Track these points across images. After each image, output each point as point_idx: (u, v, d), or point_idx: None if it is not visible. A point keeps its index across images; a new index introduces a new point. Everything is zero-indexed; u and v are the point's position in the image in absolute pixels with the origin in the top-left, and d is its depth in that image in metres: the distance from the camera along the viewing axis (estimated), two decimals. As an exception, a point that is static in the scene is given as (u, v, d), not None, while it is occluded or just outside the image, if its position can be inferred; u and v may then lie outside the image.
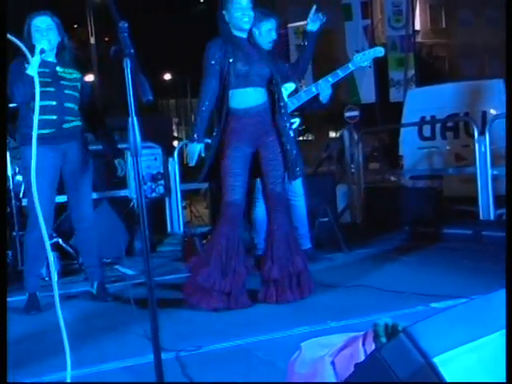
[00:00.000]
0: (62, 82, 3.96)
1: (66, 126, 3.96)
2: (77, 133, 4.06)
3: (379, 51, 4.69)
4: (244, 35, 3.91)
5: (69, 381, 2.27)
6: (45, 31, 3.88)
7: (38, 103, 2.43)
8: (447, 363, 1.41)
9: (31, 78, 3.73)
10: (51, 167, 3.92)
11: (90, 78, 29.78)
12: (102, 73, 26.86)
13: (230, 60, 3.77)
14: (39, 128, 3.88)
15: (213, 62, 3.79)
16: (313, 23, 4.59)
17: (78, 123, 4.06)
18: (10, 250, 4.77)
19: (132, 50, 2.15)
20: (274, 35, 4.91)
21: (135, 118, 2.16)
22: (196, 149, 3.83)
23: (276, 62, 5.06)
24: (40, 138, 3.82)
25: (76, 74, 4.08)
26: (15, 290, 4.34)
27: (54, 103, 3.88)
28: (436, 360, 1.42)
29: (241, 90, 3.80)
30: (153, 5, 32.58)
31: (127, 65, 2.14)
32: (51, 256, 2.50)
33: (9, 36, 3.39)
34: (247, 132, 3.83)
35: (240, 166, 3.79)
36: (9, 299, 4.06)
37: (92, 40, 25.47)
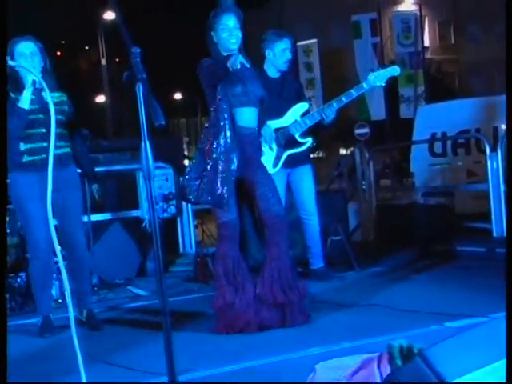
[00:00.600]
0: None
1: (56, 152, 3.79)
2: (67, 159, 3.98)
3: (396, 70, 4.60)
4: None
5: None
6: (29, 57, 3.82)
7: (53, 131, 2.36)
8: (464, 387, 1.40)
9: (22, 111, 3.74)
10: (44, 193, 3.87)
11: (101, 98, 30.11)
12: (113, 94, 27.11)
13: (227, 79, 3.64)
14: (29, 155, 3.90)
15: (215, 69, 3.66)
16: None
17: (68, 149, 4.00)
18: (23, 271, 4.77)
19: (144, 75, 2.17)
20: (288, 55, 4.88)
21: (148, 143, 2.18)
22: (237, 56, 3.50)
23: (289, 81, 5.07)
24: (31, 164, 3.85)
25: (63, 97, 4.02)
26: (30, 312, 4.36)
27: (44, 130, 3.80)
28: (452, 384, 1.41)
29: (237, 109, 3.71)
30: (163, 22, 32.83)
31: (139, 90, 2.16)
32: (65, 277, 2.49)
33: (10, 62, 3.42)
34: (237, 151, 3.70)
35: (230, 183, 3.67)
36: (24, 321, 4.10)
37: (103, 61, 25.75)
